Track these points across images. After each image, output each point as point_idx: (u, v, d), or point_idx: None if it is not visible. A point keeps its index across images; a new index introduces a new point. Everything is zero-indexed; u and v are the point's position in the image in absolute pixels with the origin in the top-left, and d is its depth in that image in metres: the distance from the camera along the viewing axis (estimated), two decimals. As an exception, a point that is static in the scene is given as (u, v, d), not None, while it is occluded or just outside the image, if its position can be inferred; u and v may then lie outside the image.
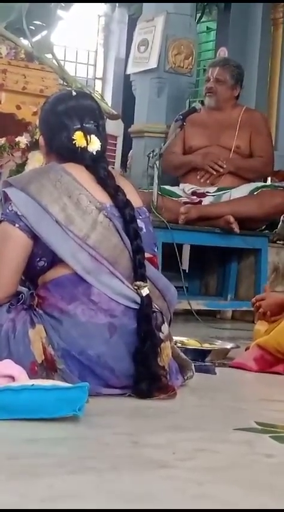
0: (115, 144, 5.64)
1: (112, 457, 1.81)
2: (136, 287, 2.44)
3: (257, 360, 3.13)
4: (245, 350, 3.28)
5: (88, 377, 2.37)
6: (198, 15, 7.17)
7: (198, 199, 5.01)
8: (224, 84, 5.22)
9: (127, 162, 6.84)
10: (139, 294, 2.44)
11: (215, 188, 5.04)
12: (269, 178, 5.64)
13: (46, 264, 2.46)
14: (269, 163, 5.24)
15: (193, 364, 2.72)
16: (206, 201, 5.00)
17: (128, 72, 6.20)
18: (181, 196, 5.04)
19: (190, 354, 2.96)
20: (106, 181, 2.52)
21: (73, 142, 2.54)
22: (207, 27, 7.89)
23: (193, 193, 5.05)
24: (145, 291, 2.44)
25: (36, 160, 4.26)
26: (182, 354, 2.71)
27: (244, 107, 5.35)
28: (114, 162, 5.57)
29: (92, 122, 2.58)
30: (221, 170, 5.02)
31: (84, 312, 2.40)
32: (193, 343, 3.39)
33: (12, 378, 2.22)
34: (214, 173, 5.03)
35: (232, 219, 4.79)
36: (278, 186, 5.29)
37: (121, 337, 2.42)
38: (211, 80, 5.24)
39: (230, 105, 5.26)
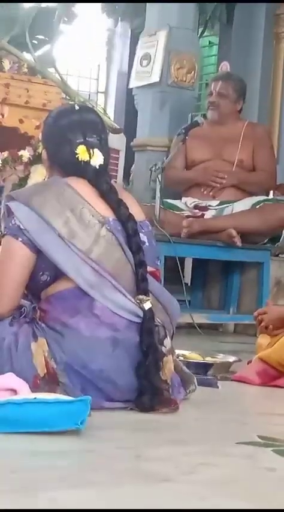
0: (118, 158, 5.65)
1: (115, 470, 1.81)
2: (138, 301, 2.44)
3: (259, 373, 3.12)
4: (248, 364, 3.28)
5: (90, 391, 2.37)
6: (200, 29, 7.20)
7: (200, 212, 5.02)
8: (227, 98, 5.23)
9: (130, 176, 6.85)
10: (142, 308, 2.44)
11: (218, 202, 5.04)
12: (271, 192, 5.64)
13: (49, 277, 2.47)
14: (272, 177, 5.25)
15: (195, 378, 2.72)
16: (208, 214, 5.00)
17: (131, 86, 6.22)
18: (183, 210, 5.05)
19: (193, 368, 2.96)
20: (108, 195, 2.53)
21: (76, 156, 2.55)
22: (209, 41, 7.92)
23: (196, 206, 5.06)
24: (147, 305, 2.44)
25: (38, 174, 4.27)
26: (184, 368, 2.71)
27: (246, 121, 5.37)
28: (116, 175, 5.58)
29: (95, 136, 2.58)
30: (223, 181, 5.03)
31: (87, 325, 2.40)
32: (195, 357, 3.39)
33: (15, 391, 2.22)
34: (218, 186, 5.04)
35: (234, 233, 4.79)
36: (280, 199, 5.29)
37: (124, 351, 2.42)
38: (213, 94, 5.26)
39: (233, 119, 5.27)
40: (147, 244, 2.56)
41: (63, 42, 5.58)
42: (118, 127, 5.19)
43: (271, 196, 5.53)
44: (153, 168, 4.73)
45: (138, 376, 2.43)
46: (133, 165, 6.50)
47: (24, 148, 4.40)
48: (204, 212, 5.01)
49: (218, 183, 5.03)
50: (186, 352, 3.41)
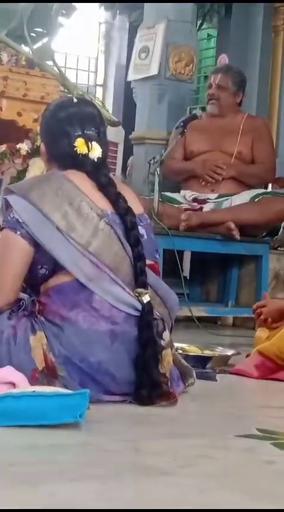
0: (116, 151, 5.65)
1: (114, 464, 1.81)
2: (137, 294, 2.44)
3: (258, 366, 3.12)
4: (246, 357, 3.28)
5: (89, 384, 2.37)
6: (199, 22, 7.18)
7: (199, 205, 5.01)
8: (226, 91, 5.22)
9: (127, 170, 6.84)
10: (141, 301, 2.44)
11: (216, 195, 5.04)
12: (270, 185, 5.64)
13: (47, 271, 2.46)
14: (271, 170, 5.24)
15: (194, 371, 2.72)
16: (207, 207, 5.00)
17: (129, 79, 6.22)
18: (182, 203, 5.04)
19: (191, 361, 2.96)
20: (107, 188, 2.52)
21: (75, 149, 2.54)
22: (208, 34, 7.91)
23: (194, 199, 5.05)
24: (146, 298, 2.44)
25: (37, 167, 4.27)
26: (183, 361, 2.71)
27: (246, 114, 5.36)
28: (115, 168, 5.58)
29: (93, 128, 2.58)
30: (220, 178, 5.02)
31: (86, 319, 2.40)
32: (194, 350, 3.39)
33: (13, 385, 2.22)
34: (213, 181, 5.03)
35: (232, 226, 4.79)
36: (279, 192, 5.29)
37: (123, 344, 2.42)
38: (213, 87, 5.25)
39: (233, 112, 5.26)
40: (145, 237, 2.56)
41: (61, 35, 5.57)
42: (116, 120, 5.18)
43: (269, 189, 5.52)
44: (152, 161, 4.72)
45: (136, 369, 2.43)
46: (130, 158, 6.49)
47: (22, 142, 4.39)
48: (202, 205, 5.01)
49: (216, 177, 5.02)
50: (185, 346, 3.41)
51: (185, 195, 5.11)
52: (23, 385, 2.22)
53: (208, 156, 5.13)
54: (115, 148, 5.59)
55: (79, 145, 2.54)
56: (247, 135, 5.15)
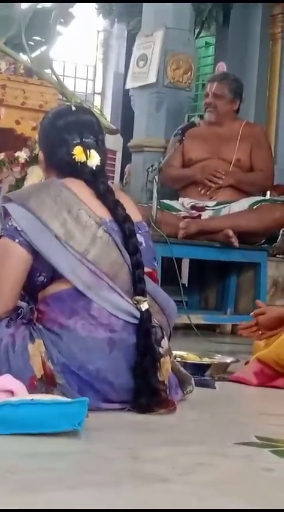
0: (115, 158, 5.65)
1: (112, 471, 1.81)
2: (135, 302, 2.44)
3: (257, 374, 3.12)
4: (245, 364, 3.28)
5: (87, 392, 2.37)
6: (197, 30, 7.20)
7: (197, 213, 5.01)
8: (223, 99, 5.23)
9: (124, 177, 6.85)
10: (139, 309, 2.44)
11: (215, 202, 5.04)
12: (268, 192, 5.64)
13: (46, 279, 2.46)
14: (270, 177, 5.25)
15: (192, 379, 2.72)
16: (205, 215, 5.00)
17: (127, 87, 6.22)
18: (180, 211, 5.05)
19: (190, 368, 2.96)
20: (105, 196, 2.53)
21: (73, 157, 2.54)
22: (206, 42, 7.93)
23: (193, 207, 5.06)
24: (144, 306, 2.44)
25: (35, 175, 4.27)
26: (182, 369, 2.71)
27: (244, 121, 5.37)
28: (113, 176, 5.58)
29: (92, 136, 2.58)
30: (220, 182, 5.03)
31: (84, 326, 2.40)
32: (192, 358, 3.38)
33: (12, 393, 2.22)
34: (213, 186, 5.04)
35: (231, 233, 4.79)
36: (277, 200, 5.30)
37: (121, 351, 2.42)
38: (209, 95, 5.26)
39: (230, 119, 5.27)
40: (143, 245, 2.56)
41: (59, 43, 5.58)
42: (114, 128, 5.19)
43: (268, 196, 5.53)
44: (150, 169, 4.73)
45: (135, 377, 2.43)
46: (128, 166, 6.49)
47: (20, 150, 4.40)
48: (200, 213, 5.01)
49: (216, 182, 5.02)
50: (184, 353, 3.40)
51: (183, 203, 5.11)
52: (22, 393, 2.22)
53: (207, 163, 5.14)
54: (114, 156, 5.60)
55: (78, 153, 2.54)
56: (245, 142, 5.16)
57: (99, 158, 2.57)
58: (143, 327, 2.43)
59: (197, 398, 2.70)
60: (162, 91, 5.85)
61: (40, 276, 2.47)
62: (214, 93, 5.23)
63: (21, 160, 4.35)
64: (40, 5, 5.05)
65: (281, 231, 5.23)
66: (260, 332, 3.33)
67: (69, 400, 2.17)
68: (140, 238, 2.56)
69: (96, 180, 2.54)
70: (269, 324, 3.33)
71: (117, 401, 2.45)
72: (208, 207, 5.03)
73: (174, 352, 2.81)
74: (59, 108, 2.79)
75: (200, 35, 7.53)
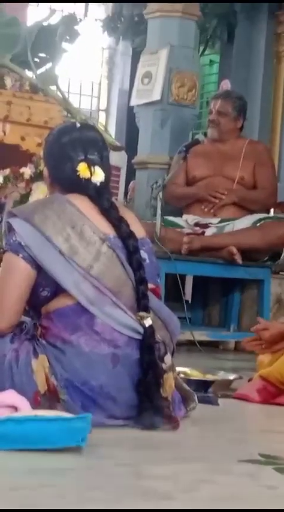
0: (119, 175, 5.67)
1: (115, 488, 1.80)
2: (139, 318, 2.44)
3: (260, 391, 3.12)
4: (248, 381, 3.27)
5: (91, 407, 2.36)
6: (201, 48, 7.24)
7: (201, 230, 5.02)
8: (226, 117, 5.25)
9: (128, 194, 6.87)
10: (142, 325, 2.44)
11: (219, 219, 5.05)
12: (272, 210, 5.65)
13: (49, 294, 2.47)
14: (273, 195, 5.26)
15: (196, 395, 2.71)
16: (209, 232, 5.01)
17: (132, 104, 6.25)
18: (184, 227, 5.05)
19: (193, 385, 2.95)
20: (109, 212, 2.53)
21: (77, 173, 2.55)
22: (210, 59, 7.96)
23: (196, 224, 5.06)
24: (148, 322, 2.44)
25: (40, 191, 4.28)
26: (185, 385, 2.70)
27: (248, 139, 5.38)
28: (117, 193, 5.60)
29: (96, 153, 2.59)
30: (223, 197, 5.03)
31: (87, 342, 2.40)
32: (195, 374, 3.38)
33: (15, 408, 2.22)
34: (217, 202, 5.04)
35: (235, 250, 4.79)
36: (281, 217, 5.30)
37: (124, 367, 2.42)
38: (213, 113, 5.28)
39: (234, 137, 5.28)
40: (147, 261, 2.57)
41: (65, 60, 5.60)
42: (119, 144, 5.20)
43: (271, 214, 5.53)
44: (154, 186, 4.74)
45: (138, 393, 2.42)
46: (132, 182, 6.51)
47: (25, 166, 4.41)
48: (204, 230, 5.02)
49: (219, 198, 5.03)
50: (187, 369, 3.40)
51: (187, 220, 5.12)
52: (25, 409, 2.22)
53: (210, 181, 5.15)
54: (118, 173, 5.61)
55: (82, 169, 2.55)
56: (248, 160, 5.17)
57: (103, 175, 2.58)
58: (146, 343, 2.43)
59: (200, 415, 2.69)
60: (167, 108, 5.87)
61: (43, 291, 2.47)
62: (218, 111, 5.25)
63: (26, 176, 4.36)
64: (46, 23, 5.07)
65: (284, 248, 5.23)
66: (263, 346, 3.32)
67: (72, 416, 2.17)
68: (144, 254, 2.56)
69: (100, 196, 2.54)
70: (271, 340, 3.32)
71: (121, 417, 2.44)
72: (212, 224, 5.04)
73: (177, 369, 2.80)
74: (63, 124, 2.80)
75: (204, 53, 7.57)
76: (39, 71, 4.99)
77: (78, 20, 5.14)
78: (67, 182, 2.57)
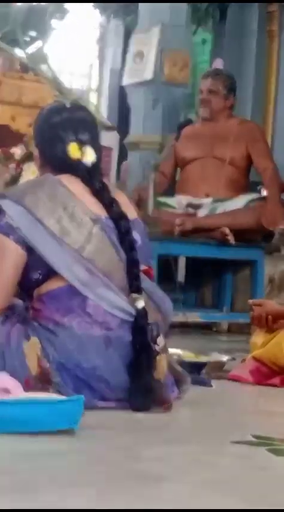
0: (111, 155, 5.64)
1: (108, 470, 1.80)
2: (131, 299, 2.43)
3: (253, 372, 3.12)
4: (242, 362, 3.27)
5: (83, 390, 2.35)
6: (194, 26, 7.19)
7: (194, 210, 5.00)
8: (217, 95, 5.22)
9: (120, 174, 6.84)
10: (135, 307, 2.42)
11: (211, 200, 5.03)
12: (264, 190, 5.62)
13: (41, 276, 2.45)
14: (276, 171, 5.16)
15: (189, 377, 2.70)
16: (201, 212, 4.99)
17: (123, 83, 6.22)
18: (176, 208, 5.04)
19: (186, 367, 2.94)
20: (101, 193, 2.51)
21: (68, 154, 2.53)
22: (203, 38, 7.92)
23: (189, 204, 5.05)
24: (140, 304, 2.43)
25: (31, 172, 4.26)
26: (178, 367, 2.70)
27: (239, 118, 5.35)
28: (109, 173, 5.57)
29: (87, 133, 2.57)
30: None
31: (80, 324, 2.39)
32: (189, 356, 3.37)
33: (7, 391, 2.20)
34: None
35: (227, 231, 4.78)
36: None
37: (117, 349, 2.41)
38: (204, 92, 5.25)
39: (225, 116, 5.25)
40: (139, 242, 2.55)
41: (55, 39, 5.57)
42: (110, 124, 5.18)
43: (264, 194, 5.51)
44: (146, 166, 4.71)
45: (131, 375, 2.42)
46: (124, 163, 6.48)
47: (16, 146, 4.39)
48: (197, 210, 5.00)
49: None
50: (180, 351, 3.39)
51: (180, 200, 5.10)
52: (17, 392, 2.21)
53: (201, 162, 5.11)
54: (110, 153, 5.58)
55: (73, 150, 2.53)
56: (240, 140, 5.14)
57: (95, 155, 2.55)
58: (139, 325, 2.42)
59: (193, 397, 2.69)
60: (159, 88, 5.85)
61: (35, 273, 2.45)
62: (208, 89, 5.22)
63: (17, 157, 4.34)
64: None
65: (277, 229, 5.21)
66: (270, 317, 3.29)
67: (64, 398, 2.16)
68: (136, 235, 2.54)
69: (91, 177, 2.52)
70: (261, 317, 3.29)
71: (113, 399, 2.44)
72: (204, 204, 5.02)
73: (170, 350, 2.79)
74: (54, 104, 2.77)
75: (197, 32, 7.52)
76: (29, 50, 4.96)
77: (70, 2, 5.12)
78: (58, 163, 2.55)
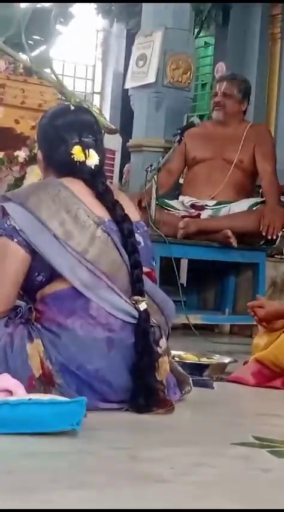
0: (114, 158, 5.65)
1: (110, 471, 1.80)
2: (134, 301, 2.44)
3: (255, 374, 3.12)
4: (244, 364, 3.28)
5: (86, 391, 2.36)
6: (196, 30, 7.20)
7: (197, 212, 5.01)
8: (232, 98, 5.22)
9: (123, 177, 6.85)
10: (137, 309, 2.43)
11: (215, 202, 5.04)
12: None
13: (44, 278, 2.46)
14: (274, 175, 5.15)
15: (190, 379, 2.71)
16: (205, 214, 5.00)
17: (126, 86, 6.22)
18: (179, 210, 5.04)
19: (188, 368, 2.95)
20: (104, 196, 2.52)
21: (72, 156, 2.54)
22: (205, 42, 7.93)
23: (192, 206, 5.05)
24: (143, 306, 2.44)
25: (34, 174, 4.27)
26: (180, 369, 2.71)
27: (250, 123, 5.36)
28: (112, 176, 5.58)
29: (90, 136, 2.58)
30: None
31: (83, 326, 2.40)
32: (191, 358, 3.38)
33: (10, 392, 2.21)
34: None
35: (230, 234, 4.79)
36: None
37: (119, 351, 2.42)
38: (219, 95, 5.25)
39: (238, 120, 5.25)
40: (142, 244, 2.56)
41: (59, 43, 5.58)
42: (114, 127, 5.19)
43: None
44: (149, 169, 4.72)
45: (133, 376, 2.42)
46: (126, 165, 6.49)
47: (20, 149, 4.40)
48: (200, 212, 5.01)
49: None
50: (182, 353, 3.40)
51: (183, 201, 5.11)
52: (20, 393, 2.22)
53: (209, 164, 5.12)
54: (113, 156, 5.60)
55: (77, 152, 2.54)
56: (249, 143, 5.14)
57: (98, 158, 2.57)
58: (141, 327, 2.43)
59: (195, 399, 2.69)
60: (161, 91, 5.85)
61: (39, 275, 2.47)
62: (223, 93, 5.22)
63: (21, 160, 4.35)
64: (39, 4, 5.05)
65: (280, 232, 5.22)
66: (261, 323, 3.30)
67: (67, 399, 2.17)
68: (139, 237, 2.56)
69: (94, 179, 2.54)
70: (267, 318, 3.31)
71: (116, 401, 2.45)
72: (208, 206, 5.03)
73: (172, 352, 2.80)
74: (57, 107, 2.79)
75: (199, 35, 7.54)
76: (33, 54, 4.97)
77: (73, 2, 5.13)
78: (61, 165, 2.56)
